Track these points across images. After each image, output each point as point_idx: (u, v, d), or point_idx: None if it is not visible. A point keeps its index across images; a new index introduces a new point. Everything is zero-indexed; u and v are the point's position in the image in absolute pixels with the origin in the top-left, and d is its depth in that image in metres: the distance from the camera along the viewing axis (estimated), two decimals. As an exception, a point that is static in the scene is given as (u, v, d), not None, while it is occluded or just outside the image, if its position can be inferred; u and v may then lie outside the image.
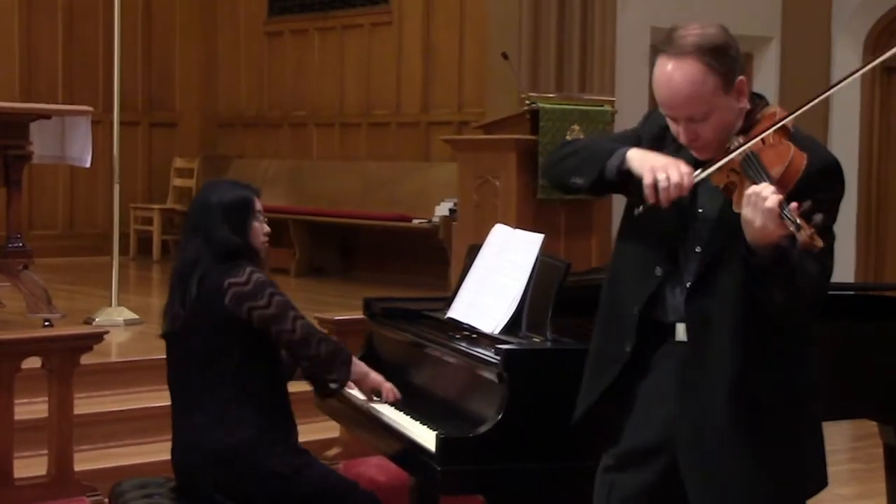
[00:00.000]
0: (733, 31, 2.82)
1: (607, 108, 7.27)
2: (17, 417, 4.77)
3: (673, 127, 2.82)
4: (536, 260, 3.73)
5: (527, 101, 6.93)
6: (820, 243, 2.45)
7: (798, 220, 2.47)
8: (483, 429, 3.28)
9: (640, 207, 2.78)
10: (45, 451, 4.85)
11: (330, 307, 7.22)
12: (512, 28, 8.67)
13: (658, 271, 2.87)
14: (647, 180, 2.72)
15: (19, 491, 4.70)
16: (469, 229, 6.78)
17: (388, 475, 4.83)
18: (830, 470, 2.94)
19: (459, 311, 3.93)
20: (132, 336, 7.05)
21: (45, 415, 4.85)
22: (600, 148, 2.95)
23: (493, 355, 3.40)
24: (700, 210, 2.85)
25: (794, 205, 2.49)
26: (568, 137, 6.55)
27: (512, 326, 3.68)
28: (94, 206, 11.63)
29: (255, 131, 12.26)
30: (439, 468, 3.27)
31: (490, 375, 3.40)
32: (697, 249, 2.84)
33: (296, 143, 11.83)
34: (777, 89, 9.42)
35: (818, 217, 2.47)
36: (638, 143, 2.94)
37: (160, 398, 5.43)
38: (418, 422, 3.63)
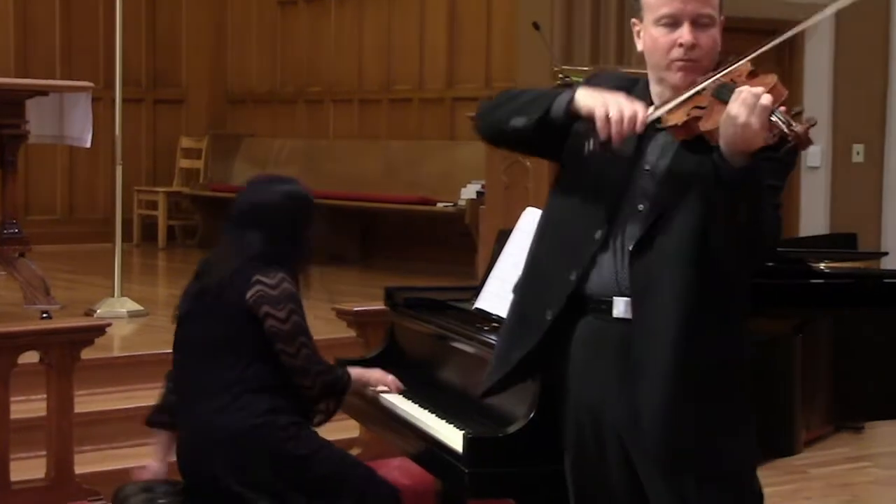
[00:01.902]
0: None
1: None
2: (13, 416, 4.80)
3: (664, 38, 2.88)
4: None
5: (560, 75, 6.90)
6: (811, 143, 2.59)
7: (787, 117, 2.59)
8: (513, 428, 3.28)
9: (590, 144, 2.85)
10: (44, 453, 4.88)
11: (348, 297, 7.23)
12: (544, -4, 8.65)
13: (598, 234, 2.93)
14: (598, 113, 2.80)
15: (16, 495, 4.73)
16: (498, 213, 6.77)
17: (412, 478, 4.83)
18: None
19: (488, 301, 3.93)
20: (136, 329, 7.08)
21: (44, 413, 4.88)
22: (543, 92, 3.05)
23: (524, 349, 3.39)
24: (647, 167, 2.92)
25: (783, 107, 2.63)
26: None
27: (544, 318, 3.67)
28: (95, 190, 11.68)
29: (268, 108, 12.28)
30: (466, 470, 3.27)
31: (521, 370, 3.39)
32: (640, 207, 2.90)
33: (311, 120, 11.84)
34: (831, 60, 9.35)
35: (810, 121, 2.60)
36: None
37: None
38: (444, 420, 3.63)
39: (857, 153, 9.42)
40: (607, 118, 2.79)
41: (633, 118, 2.79)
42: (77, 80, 8.08)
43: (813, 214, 9.22)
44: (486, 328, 3.78)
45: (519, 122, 3.01)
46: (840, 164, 9.30)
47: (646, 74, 3.01)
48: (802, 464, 6.09)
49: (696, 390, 2.86)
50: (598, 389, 2.96)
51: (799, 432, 3.52)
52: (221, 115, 12.64)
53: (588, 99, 2.87)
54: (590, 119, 2.84)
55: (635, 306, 2.89)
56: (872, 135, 9.35)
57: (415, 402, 3.91)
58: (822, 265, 3.98)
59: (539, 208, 4.03)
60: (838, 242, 4.71)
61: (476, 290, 4.06)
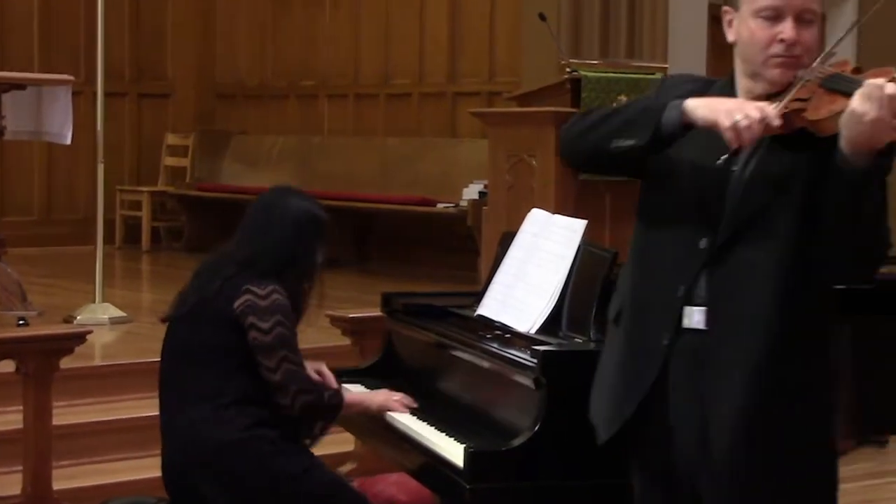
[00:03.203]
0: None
1: (659, 76, 7.25)
2: (-12, 428, 4.81)
3: (763, 31, 2.85)
4: (578, 249, 3.73)
5: (567, 69, 6.91)
6: None
7: None
8: (517, 441, 3.28)
9: (723, 157, 2.82)
10: (20, 467, 4.88)
11: (343, 303, 7.22)
12: (551, -15, 8.66)
13: (703, 243, 2.89)
14: (725, 123, 2.76)
15: (-9, 511, 4.74)
16: (501, 215, 6.77)
17: (410, 494, 4.84)
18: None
19: (490, 307, 3.93)
20: (119, 336, 7.09)
21: (20, 426, 4.89)
22: (643, 106, 2.98)
23: (528, 358, 3.40)
24: (734, 169, 2.89)
25: None
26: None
27: (550, 325, 3.69)
28: (75, 189, 11.68)
29: (259, 103, 12.29)
30: (468, 486, 3.27)
31: (525, 381, 3.40)
32: (728, 211, 2.87)
33: (304, 116, 11.85)
34: (854, 55, 9.37)
35: None
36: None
37: (151, 406, 5.43)
38: (444, 433, 3.64)
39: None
40: (735, 126, 2.74)
41: (764, 119, 2.74)
42: (56, 73, 8.07)
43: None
44: (488, 336, 3.79)
45: (625, 143, 2.94)
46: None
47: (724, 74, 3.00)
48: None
49: (776, 420, 2.83)
50: (685, 407, 2.90)
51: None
52: (209, 111, 12.65)
53: (705, 110, 2.83)
54: (709, 130, 2.80)
55: (711, 317, 2.86)
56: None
57: (413, 414, 3.92)
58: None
59: (544, 209, 4.06)
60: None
61: (478, 296, 4.07)
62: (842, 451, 3.98)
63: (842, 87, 2.71)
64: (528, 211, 4.08)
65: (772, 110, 2.76)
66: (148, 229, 11.66)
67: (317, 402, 4.00)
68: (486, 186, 7.86)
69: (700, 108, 2.84)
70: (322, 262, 4.18)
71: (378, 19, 11.15)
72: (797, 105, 2.77)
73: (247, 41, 12.37)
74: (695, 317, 2.89)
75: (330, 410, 4.03)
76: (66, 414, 5.44)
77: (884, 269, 4.32)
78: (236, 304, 3.94)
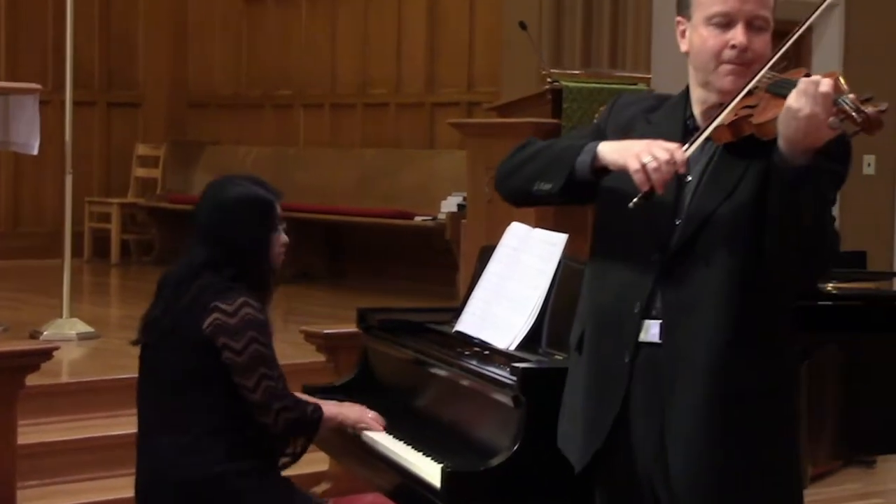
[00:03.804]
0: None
1: (642, 86, 7.26)
2: (-49, 447, 4.78)
3: (715, 38, 2.89)
4: (559, 264, 3.74)
5: (548, 79, 6.93)
6: (881, 126, 2.60)
7: (855, 102, 2.60)
8: (496, 461, 3.29)
9: (634, 200, 2.83)
10: (-15, 487, 4.87)
11: (318, 319, 7.24)
12: (531, -7, 8.68)
13: (655, 256, 2.93)
14: (633, 167, 2.80)
15: (-47, 533, 4.72)
16: (480, 228, 6.78)
17: (386, 515, 4.83)
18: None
19: (469, 323, 3.94)
20: (86, 353, 7.06)
21: (-15, 444, 4.87)
22: (562, 147, 3.05)
23: (507, 375, 3.41)
24: (689, 178, 2.93)
25: (852, 95, 2.62)
26: (595, 121, 6.56)
27: (530, 342, 3.70)
28: (43, 201, 11.64)
29: (232, 113, 12.28)
30: (445, 507, 3.27)
31: (504, 399, 3.40)
32: (678, 222, 2.91)
33: (280, 126, 11.85)
34: (841, 63, 9.42)
35: (881, 105, 2.60)
36: (602, 137, 3.03)
37: (120, 425, 5.45)
38: (421, 453, 3.64)
39: (868, 165, 9.47)
40: (643, 169, 2.79)
41: (672, 161, 2.78)
42: (23, 81, 8.05)
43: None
44: (466, 353, 3.79)
45: (544, 187, 3.03)
46: (850, 177, 9.28)
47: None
48: (809, 501, 6.10)
49: (733, 428, 2.86)
50: (626, 424, 2.94)
51: (804, 468, 3.54)
52: (181, 120, 12.63)
53: (615, 154, 2.89)
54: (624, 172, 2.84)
55: (665, 330, 2.90)
56: (885, 144, 9.38)
57: (389, 432, 3.92)
58: (829, 286, 4.00)
59: (524, 223, 4.06)
60: (846, 261, 4.74)
61: (456, 312, 4.07)
62: (829, 471, 4.01)
63: (787, 90, 2.74)
64: (508, 224, 4.09)
65: (679, 154, 2.80)
66: (117, 242, 11.62)
67: (300, 419, 3.95)
68: (464, 199, 7.88)
69: (610, 152, 2.90)
70: (286, 244, 4.07)
71: (355, 27, 11.16)
72: (745, 112, 2.81)
73: (220, 49, 12.37)
74: (651, 330, 2.92)
75: (312, 426, 3.99)
76: (31, 433, 5.42)
77: (868, 285, 4.38)
78: (205, 325, 3.86)
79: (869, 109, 2.59)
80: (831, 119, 2.61)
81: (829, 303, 3.90)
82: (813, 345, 3.61)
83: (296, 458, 4.04)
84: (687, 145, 2.85)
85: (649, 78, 7.54)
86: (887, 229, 9.41)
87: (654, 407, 2.91)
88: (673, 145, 2.82)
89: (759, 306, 2.87)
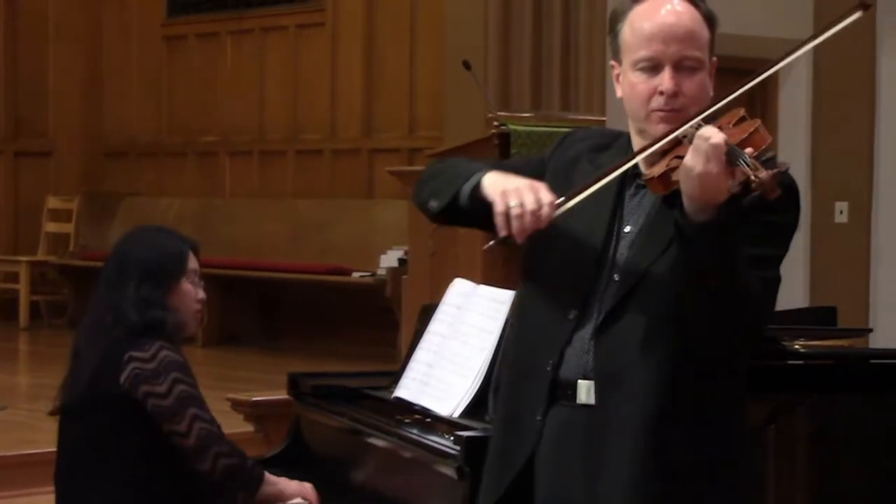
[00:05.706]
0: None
1: (596, 130, 7.32)
2: None
3: (643, 84, 2.91)
4: (505, 323, 3.76)
5: (495, 123, 6.97)
6: (778, 190, 2.58)
7: (752, 161, 2.60)
8: (439, 538, 3.30)
9: (490, 243, 2.87)
10: None
11: (247, 384, 7.23)
12: (476, 30, 8.74)
13: (572, 314, 2.95)
14: (498, 207, 2.83)
15: None
16: (423, 285, 6.80)
17: None
18: None
19: (410, 389, 3.95)
20: (-7, 425, 7.02)
21: None
22: (467, 168, 3.07)
23: (451, 444, 3.42)
24: (627, 229, 2.96)
25: (749, 149, 2.63)
26: (543, 152, 6.61)
27: (475, 407, 3.70)
28: (-55, 259, 11.60)
29: (152, 162, 12.28)
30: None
31: (448, 470, 3.41)
32: (616, 277, 2.93)
33: (204, 176, 11.85)
34: (808, 107, 9.53)
35: (781, 167, 2.61)
36: (544, 169, 3.07)
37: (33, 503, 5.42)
38: (358, 530, 3.65)
39: (841, 212, 9.53)
40: (506, 213, 2.81)
41: (538, 213, 2.80)
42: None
43: (790, 283, 9.30)
44: (406, 421, 3.79)
45: (434, 204, 3.09)
46: (820, 225, 9.39)
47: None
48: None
49: (668, 493, 2.87)
50: (563, 487, 2.96)
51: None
52: (96, 171, 12.60)
53: (490, 188, 2.92)
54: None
55: (600, 391, 2.91)
56: (858, 191, 9.47)
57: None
58: (796, 344, 4.03)
59: (470, 278, 4.09)
60: (816, 317, 4.78)
61: (396, 376, 4.08)
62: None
63: None
64: (452, 280, 4.11)
65: (547, 209, 2.80)
66: (26, 304, 11.57)
67: (240, 468, 3.93)
68: (406, 253, 7.90)
69: (490, 184, 2.93)
70: (202, 300, 4.07)
71: (285, 67, 11.19)
72: (676, 163, 2.79)
73: (138, 92, 12.36)
74: (582, 391, 2.93)
75: (253, 481, 3.96)
76: (-68, 514, 5.38)
77: (841, 342, 4.41)
78: (122, 378, 3.83)
79: (764, 174, 2.58)
80: (730, 182, 2.62)
81: (797, 362, 3.92)
82: (779, 408, 3.64)
83: None
84: (564, 199, 2.85)
85: (604, 121, 7.57)
86: (861, 281, 9.45)
87: (581, 470, 2.92)
88: (547, 197, 2.82)
89: (695, 370, 2.87)
